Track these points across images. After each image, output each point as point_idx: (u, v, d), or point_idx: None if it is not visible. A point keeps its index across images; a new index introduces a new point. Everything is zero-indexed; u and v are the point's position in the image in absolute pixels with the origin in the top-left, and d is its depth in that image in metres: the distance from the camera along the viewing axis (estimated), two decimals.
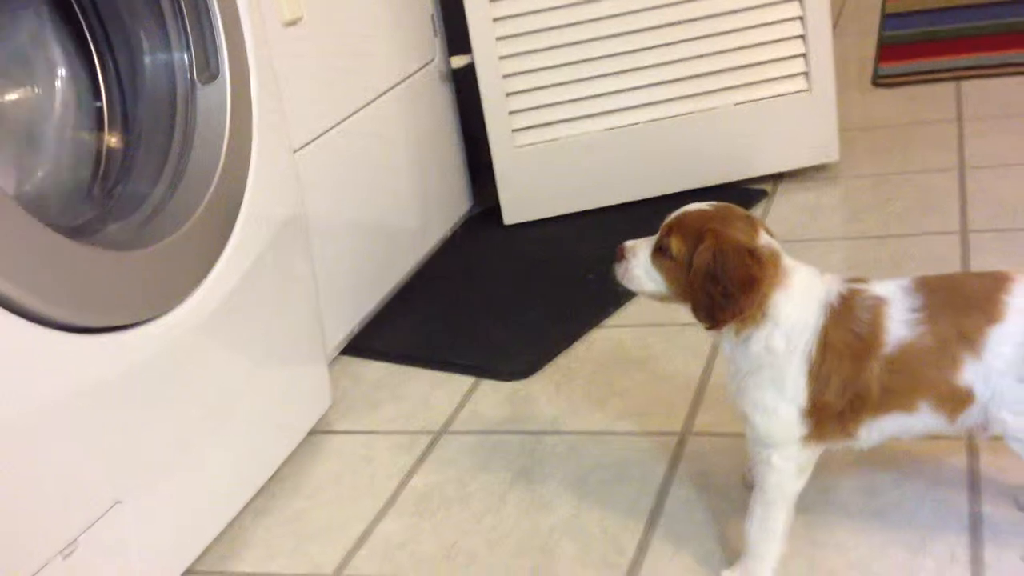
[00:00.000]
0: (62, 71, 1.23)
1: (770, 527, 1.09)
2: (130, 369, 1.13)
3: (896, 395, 1.05)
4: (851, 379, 1.04)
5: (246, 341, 1.33)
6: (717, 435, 1.36)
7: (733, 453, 1.31)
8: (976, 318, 1.03)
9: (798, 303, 1.05)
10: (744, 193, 2.08)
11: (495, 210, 2.11)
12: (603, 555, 1.19)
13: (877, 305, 1.05)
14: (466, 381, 1.59)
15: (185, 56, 1.23)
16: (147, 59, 1.23)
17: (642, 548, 1.19)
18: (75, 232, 1.10)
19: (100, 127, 1.24)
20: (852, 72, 2.71)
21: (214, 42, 1.26)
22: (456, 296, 1.87)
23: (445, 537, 1.27)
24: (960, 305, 1.04)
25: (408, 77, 1.94)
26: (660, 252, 1.09)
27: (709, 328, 1.08)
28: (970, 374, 1.03)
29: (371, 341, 1.74)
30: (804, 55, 2.04)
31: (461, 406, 1.53)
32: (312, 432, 1.50)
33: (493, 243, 2.06)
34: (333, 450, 1.48)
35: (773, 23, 2.02)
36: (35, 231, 1.00)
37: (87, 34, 1.24)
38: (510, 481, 1.35)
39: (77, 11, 1.23)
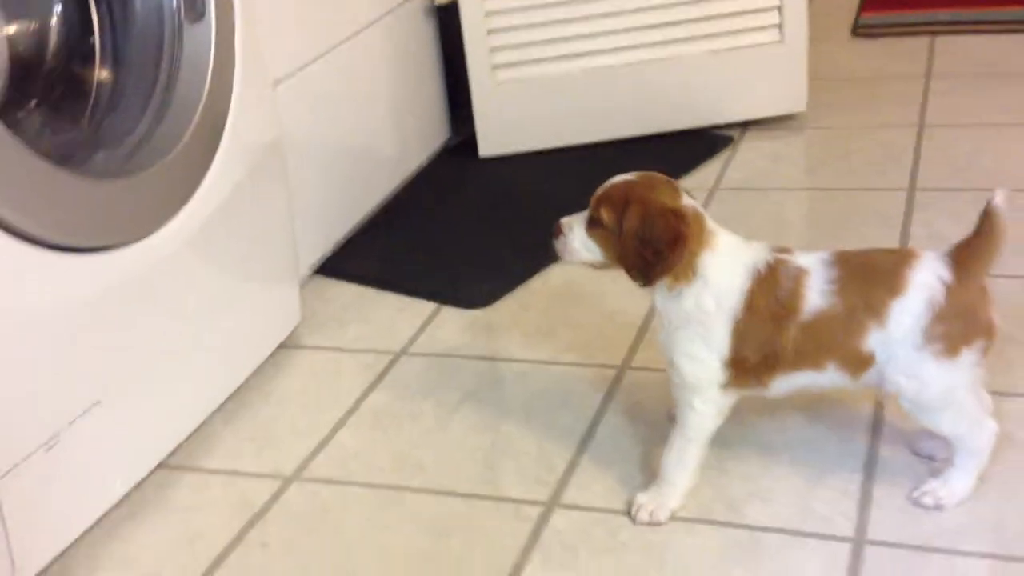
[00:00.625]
0: (58, 8, 1.33)
1: (686, 461, 1.22)
2: (115, 284, 1.25)
3: (808, 356, 1.17)
4: (769, 339, 1.16)
5: (223, 261, 1.44)
6: (653, 370, 1.48)
7: (664, 388, 1.43)
8: (882, 291, 1.14)
9: (727, 267, 1.17)
10: (711, 139, 2.18)
11: (472, 142, 2.20)
12: (536, 473, 1.32)
13: (799, 275, 1.17)
14: (429, 307, 1.71)
15: None
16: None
17: (570, 468, 1.32)
18: (65, 160, 1.20)
19: (92, 62, 1.34)
20: (834, 20, 2.78)
21: None
22: (427, 225, 1.97)
23: (396, 449, 1.40)
24: (870, 278, 1.16)
25: (391, 11, 2.02)
26: (593, 224, 1.20)
27: (643, 285, 1.19)
28: (873, 340, 1.15)
29: (343, 264, 1.85)
30: (779, 7, 2.12)
31: (422, 330, 1.65)
32: (282, 346, 1.62)
33: (467, 175, 2.16)
34: (300, 364, 1.60)
35: None
36: (26, 158, 1.11)
37: None
38: (459, 401, 1.47)
39: None
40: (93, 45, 1.34)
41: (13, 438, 1.14)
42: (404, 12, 2.07)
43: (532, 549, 1.21)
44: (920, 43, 2.56)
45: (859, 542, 1.16)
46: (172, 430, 1.41)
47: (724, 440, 1.27)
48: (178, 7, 1.34)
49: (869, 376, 1.18)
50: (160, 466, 1.39)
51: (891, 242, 1.71)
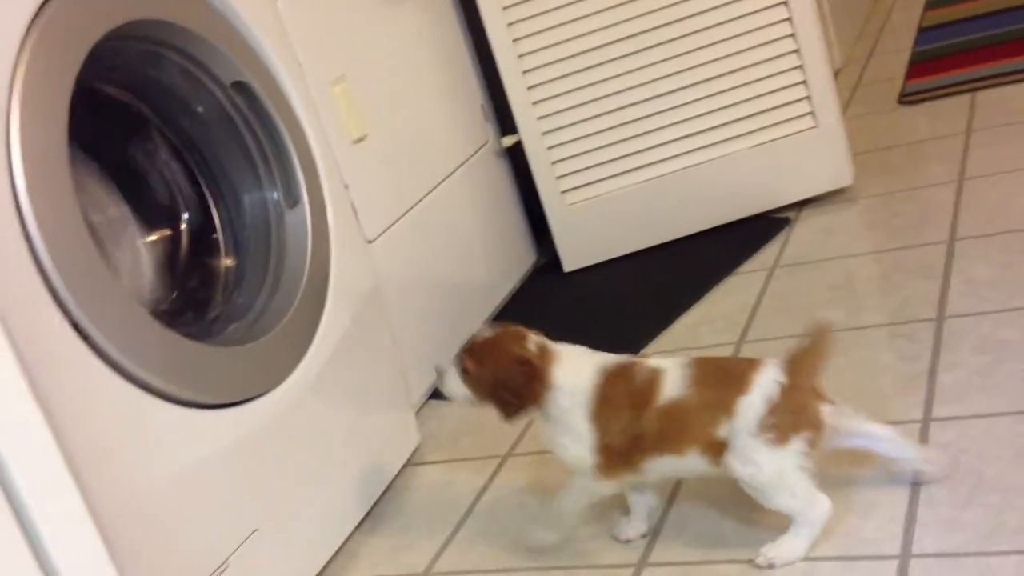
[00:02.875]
0: (185, 215, 1.66)
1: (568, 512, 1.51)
2: (255, 431, 1.53)
3: (669, 439, 1.39)
4: (630, 424, 1.40)
5: (342, 399, 1.71)
6: None
7: None
8: (733, 390, 1.36)
9: (573, 371, 1.43)
10: (769, 223, 2.39)
11: (557, 260, 2.46)
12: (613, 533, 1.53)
13: (654, 373, 1.41)
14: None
15: (274, 192, 1.64)
16: (246, 197, 1.64)
17: (655, 532, 1.52)
18: (202, 335, 1.51)
19: (218, 253, 1.65)
20: (880, 92, 2.97)
21: (294, 176, 1.65)
22: None
23: (508, 537, 1.63)
24: (723, 379, 1.39)
25: (466, 160, 2.32)
26: (463, 371, 1.46)
27: (509, 420, 1.45)
28: (723, 430, 1.36)
29: None
30: (808, 97, 2.34)
31: (524, 432, 1.89)
32: (407, 465, 1.88)
33: (555, 289, 2.42)
34: (423, 477, 1.85)
35: (777, 74, 2.32)
36: (174, 340, 1.41)
37: (202, 184, 1.65)
38: (559, 487, 1.69)
39: (194, 168, 1.65)
40: (217, 240, 1.66)
41: (193, 566, 1.41)
42: (478, 159, 2.37)
43: None
44: (962, 101, 2.72)
45: (905, 558, 1.33)
46: (321, 548, 1.66)
47: None
48: (278, 199, 1.65)
49: (725, 463, 1.37)
50: None
51: (932, 294, 1.88)
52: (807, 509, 1.37)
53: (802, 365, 1.36)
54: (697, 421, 1.37)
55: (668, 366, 1.41)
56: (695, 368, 1.40)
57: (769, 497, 1.37)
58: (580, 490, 1.48)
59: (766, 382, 1.35)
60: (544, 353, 1.45)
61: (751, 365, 1.38)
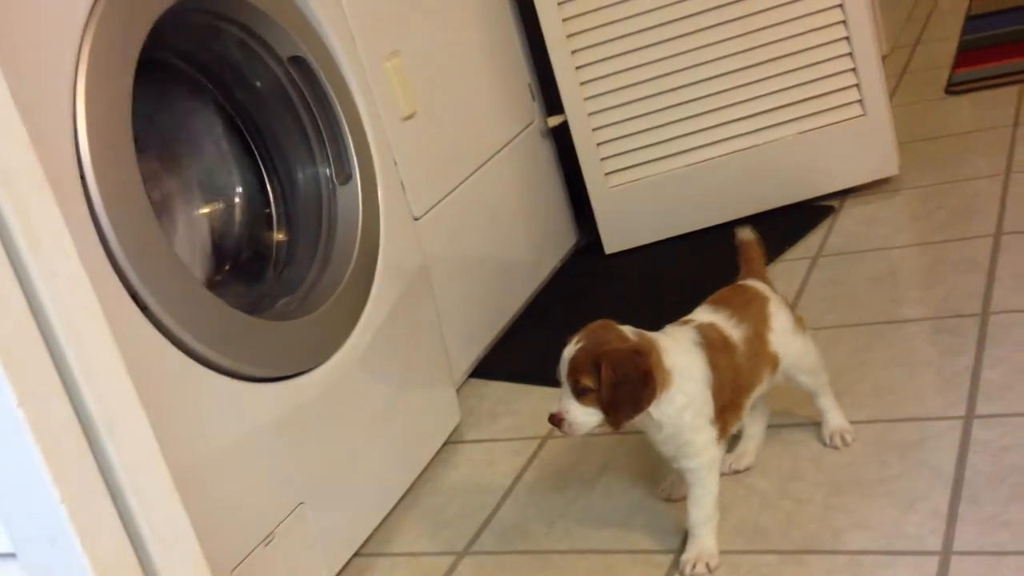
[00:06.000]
0: (239, 188, 1.67)
1: (710, 511, 1.44)
2: (303, 404, 1.55)
3: (754, 373, 1.48)
4: (732, 379, 1.44)
5: (387, 375, 1.73)
6: (772, 427, 1.69)
7: (770, 442, 1.64)
8: (760, 309, 1.51)
9: (684, 354, 1.41)
10: (813, 211, 2.38)
11: (598, 241, 2.47)
12: (665, 526, 1.54)
13: (712, 326, 1.47)
14: None
15: (327, 168, 1.65)
16: (299, 173, 1.66)
17: None
18: (254, 308, 1.52)
19: (270, 227, 1.67)
20: (926, 81, 2.95)
21: (347, 152, 1.67)
22: (564, 320, 2.22)
23: (547, 519, 1.64)
24: (747, 306, 1.50)
25: (512, 140, 2.32)
26: (580, 392, 1.35)
27: (631, 418, 1.35)
28: (774, 344, 1.50)
29: (493, 365, 2.13)
30: (857, 85, 2.32)
31: None
32: (447, 443, 1.90)
33: (596, 271, 2.42)
34: (463, 456, 1.87)
35: (827, 60, 2.31)
36: (227, 312, 1.42)
37: (257, 158, 1.67)
38: (597, 473, 1.71)
39: (249, 142, 1.66)
40: (270, 214, 1.68)
41: (241, 535, 1.44)
42: (523, 138, 2.37)
43: None
44: (1010, 92, 2.70)
45: (946, 554, 1.34)
46: (363, 523, 1.68)
47: (830, 480, 1.47)
48: (330, 175, 1.66)
49: (777, 375, 1.52)
50: (356, 555, 1.67)
51: (977, 288, 1.88)
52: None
53: (763, 271, 1.58)
54: (762, 347, 1.49)
55: (709, 318, 1.49)
56: (723, 309, 1.50)
57: (813, 376, 1.57)
58: (711, 470, 1.42)
59: (769, 290, 1.54)
60: (649, 343, 1.39)
61: (747, 287, 1.55)
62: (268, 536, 1.48)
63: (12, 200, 1.01)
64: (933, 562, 1.33)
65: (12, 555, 1.11)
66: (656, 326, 1.48)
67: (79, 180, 1.24)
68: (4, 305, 1.01)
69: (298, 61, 1.62)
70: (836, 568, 1.37)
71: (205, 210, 1.65)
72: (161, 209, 1.57)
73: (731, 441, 1.55)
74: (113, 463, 1.08)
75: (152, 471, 1.13)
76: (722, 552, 1.44)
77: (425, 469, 1.83)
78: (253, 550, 1.46)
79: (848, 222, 2.30)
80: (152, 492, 1.12)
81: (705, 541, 1.44)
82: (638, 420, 1.39)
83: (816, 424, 1.62)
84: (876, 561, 1.36)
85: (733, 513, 1.52)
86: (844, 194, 2.41)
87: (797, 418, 1.67)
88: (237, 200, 1.68)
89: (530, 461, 1.80)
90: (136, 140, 1.33)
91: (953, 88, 2.84)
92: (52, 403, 1.04)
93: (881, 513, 1.44)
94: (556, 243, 2.47)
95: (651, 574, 1.46)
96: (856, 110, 2.34)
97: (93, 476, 1.07)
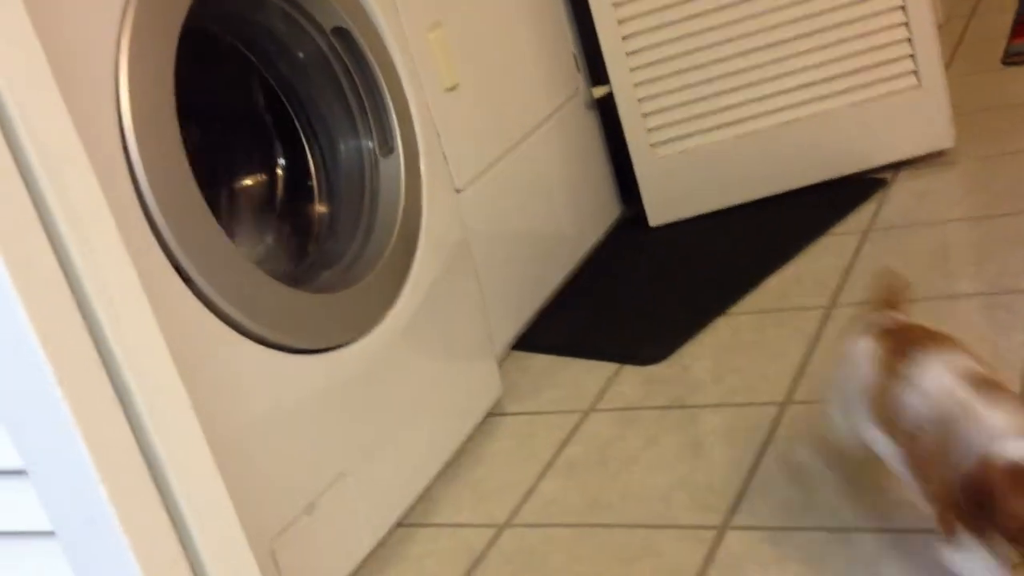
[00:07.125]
0: (281, 160, 1.67)
1: None
2: (345, 376, 1.54)
3: None
4: None
5: (429, 347, 1.72)
6: (810, 403, 1.67)
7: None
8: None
9: None
10: (865, 183, 2.33)
11: (642, 214, 2.44)
12: (709, 501, 1.53)
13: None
14: (611, 367, 1.94)
15: (369, 140, 1.64)
16: (341, 145, 1.65)
17: (739, 496, 1.52)
18: (296, 280, 1.52)
19: (312, 199, 1.66)
20: (982, 52, 2.88)
21: (390, 124, 1.65)
22: (606, 293, 2.22)
23: (589, 493, 1.63)
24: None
25: (557, 110, 2.30)
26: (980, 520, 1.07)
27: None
28: None
29: (535, 337, 2.12)
30: (912, 55, 2.27)
31: (606, 388, 1.89)
32: (488, 414, 1.89)
33: (640, 244, 2.40)
34: (505, 428, 1.86)
35: (881, 30, 2.26)
36: (269, 284, 1.42)
37: (299, 130, 1.66)
38: (640, 447, 1.70)
39: (292, 114, 1.65)
40: (311, 186, 1.67)
41: (282, 504, 1.44)
42: (567, 109, 2.34)
43: (708, 566, 1.41)
44: None
45: None
46: (404, 493, 1.68)
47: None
48: (373, 147, 1.65)
49: None
50: (397, 525, 1.67)
51: None
52: None
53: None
54: None
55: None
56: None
57: None
58: None
59: None
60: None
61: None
62: (309, 505, 1.48)
63: (48, 173, 1.01)
64: None
65: (51, 533, 1.12)
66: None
67: (122, 152, 1.24)
68: (42, 281, 1.01)
69: (341, 32, 1.61)
70: None
71: (247, 182, 1.65)
72: (203, 180, 1.57)
73: None
74: (152, 441, 1.08)
75: (191, 448, 1.13)
76: (762, 528, 1.43)
77: (466, 441, 1.83)
78: (295, 519, 1.46)
79: (900, 195, 2.26)
80: (191, 470, 1.13)
81: None
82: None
83: None
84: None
85: (777, 489, 1.50)
86: (897, 167, 2.36)
87: None
88: (279, 172, 1.67)
89: (571, 434, 1.79)
90: (178, 111, 1.32)
91: (1010, 59, 2.78)
92: (91, 382, 1.05)
93: None
94: (599, 216, 2.45)
95: (694, 550, 1.44)
96: (911, 81, 2.29)
97: (132, 454, 1.08)
